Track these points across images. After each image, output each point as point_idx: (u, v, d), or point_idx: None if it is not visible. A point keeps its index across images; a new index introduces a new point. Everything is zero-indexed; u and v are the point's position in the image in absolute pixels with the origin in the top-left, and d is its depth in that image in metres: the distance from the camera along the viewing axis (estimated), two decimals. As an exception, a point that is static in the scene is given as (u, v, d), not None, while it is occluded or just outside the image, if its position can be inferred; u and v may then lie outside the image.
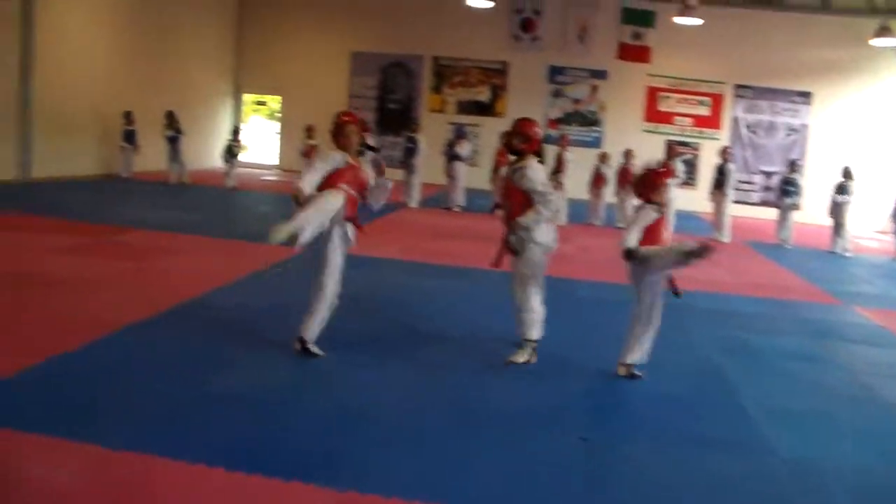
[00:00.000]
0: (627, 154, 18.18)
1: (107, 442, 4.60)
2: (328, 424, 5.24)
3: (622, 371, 6.74)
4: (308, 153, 17.67)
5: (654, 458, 5.20)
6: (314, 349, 6.53)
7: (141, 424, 4.98)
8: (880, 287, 13.37)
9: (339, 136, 6.50)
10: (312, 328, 6.51)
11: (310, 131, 18.51)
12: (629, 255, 6.41)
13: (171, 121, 19.84)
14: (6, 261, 9.40)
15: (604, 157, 18.79)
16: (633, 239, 6.42)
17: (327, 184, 6.31)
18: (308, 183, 6.19)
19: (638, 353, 6.73)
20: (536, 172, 6.68)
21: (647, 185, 6.72)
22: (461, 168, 18.65)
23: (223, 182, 20.04)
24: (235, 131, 21.16)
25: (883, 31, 21.47)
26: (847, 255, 16.76)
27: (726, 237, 17.20)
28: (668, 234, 6.79)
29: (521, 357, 6.87)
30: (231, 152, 20.12)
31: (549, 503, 4.44)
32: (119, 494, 4.10)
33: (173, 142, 19.81)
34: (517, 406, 5.94)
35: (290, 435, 5.03)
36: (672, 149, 18.32)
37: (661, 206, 6.68)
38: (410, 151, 18.86)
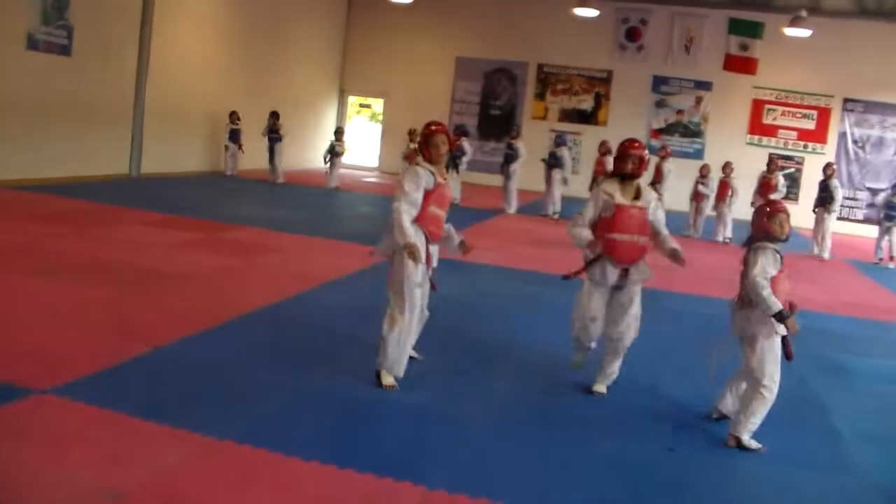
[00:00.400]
0: (726, 167, 18.04)
1: (207, 430, 4.86)
2: (421, 424, 5.46)
3: (732, 443, 5.65)
4: (410, 157, 17.98)
5: (740, 472, 5.30)
6: (415, 354, 6.57)
7: (240, 415, 5.26)
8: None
9: (427, 146, 6.18)
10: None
11: (412, 135, 18.83)
12: (780, 317, 5.39)
13: (274, 122, 20.38)
14: (125, 253, 9.87)
15: (704, 170, 18.56)
16: (770, 296, 5.38)
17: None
18: (408, 216, 5.92)
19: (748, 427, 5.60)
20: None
21: (762, 216, 5.70)
22: (557, 176, 18.65)
23: (325, 182, 20.49)
24: (338, 132, 21.55)
25: None
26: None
27: (827, 254, 16.98)
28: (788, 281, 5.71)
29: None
30: (334, 153, 20.51)
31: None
32: (217, 482, 4.35)
33: (273, 142, 20.34)
34: (606, 413, 6.09)
35: (383, 432, 5.26)
36: (773, 162, 18.16)
37: (781, 241, 5.69)
38: (509, 158, 19.03)
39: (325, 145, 21.32)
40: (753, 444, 5.56)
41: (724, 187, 17.60)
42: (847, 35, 22.92)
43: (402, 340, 6.02)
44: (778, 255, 5.55)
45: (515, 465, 4.96)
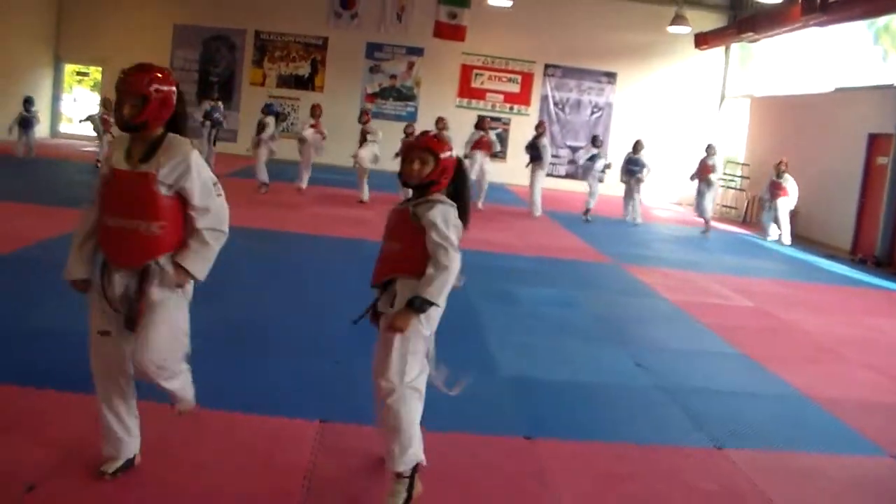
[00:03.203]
0: (439, 122, 17.78)
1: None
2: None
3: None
4: (105, 123, 17.78)
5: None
6: None
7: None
8: (654, 250, 14.76)
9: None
10: None
11: (107, 104, 18.33)
12: None
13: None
14: None
15: (409, 129, 17.86)
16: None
17: None
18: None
19: None
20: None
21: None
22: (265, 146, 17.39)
23: (14, 151, 19.26)
24: (27, 101, 20.13)
25: (679, 20, 23.09)
26: (636, 223, 17.99)
27: (538, 211, 17.43)
28: None
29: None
30: (24, 123, 19.42)
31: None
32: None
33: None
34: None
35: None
36: (484, 121, 18.81)
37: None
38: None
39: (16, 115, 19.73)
40: None
41: None
42: (544, 6, 24.60)
43: None
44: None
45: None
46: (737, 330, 8.90)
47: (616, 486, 4.77)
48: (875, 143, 17.77)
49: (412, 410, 4.08)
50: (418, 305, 3.95)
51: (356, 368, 5.46)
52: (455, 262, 4.02)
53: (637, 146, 18.18)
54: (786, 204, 17.43)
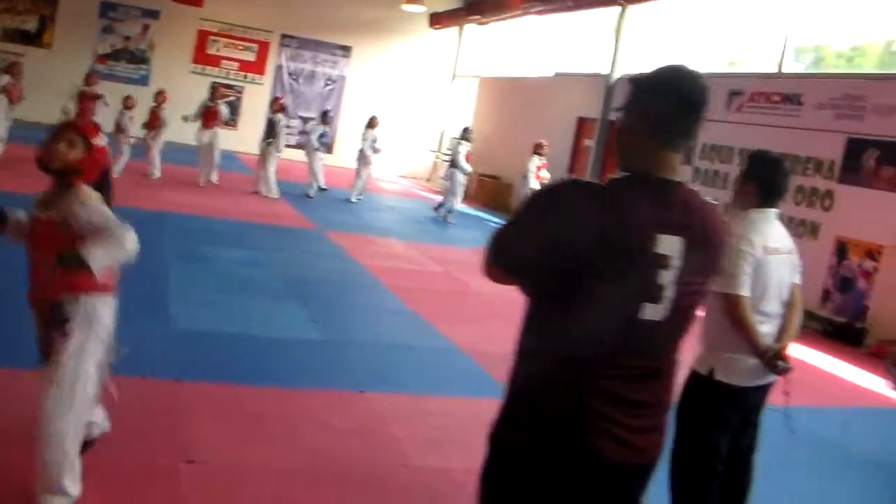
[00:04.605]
0: (159, 96, 16.77)
1: None
2: None
3: None
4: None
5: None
6: None
7: None
8: (363, 219, 15.36)
9: None
10: None
11: None
12: None
13: None
14: None
15: (129, 102, 16.45)
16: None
17: None
18: None
19: None
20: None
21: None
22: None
23: None
24: None
25: (413, -2, 23.88)
26: (354, 200, 17.69)
27: (274, 194, 16.21)
28: None
29: None
30: None
31: None
32: None
33: None
34: None
35: None
36: (216, 90, 18.44)
37: None
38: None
39: None
40: None
41: (154, 117, 16.25)
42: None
43: None
44: None
45: None
46: (418, 292, 9.61)
47: (255, 424, 5.21)
48: (582, 126, 19.19)
49: None
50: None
51: None
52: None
53: (372, 122, 18.09)
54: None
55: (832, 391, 8.75)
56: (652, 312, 2.24)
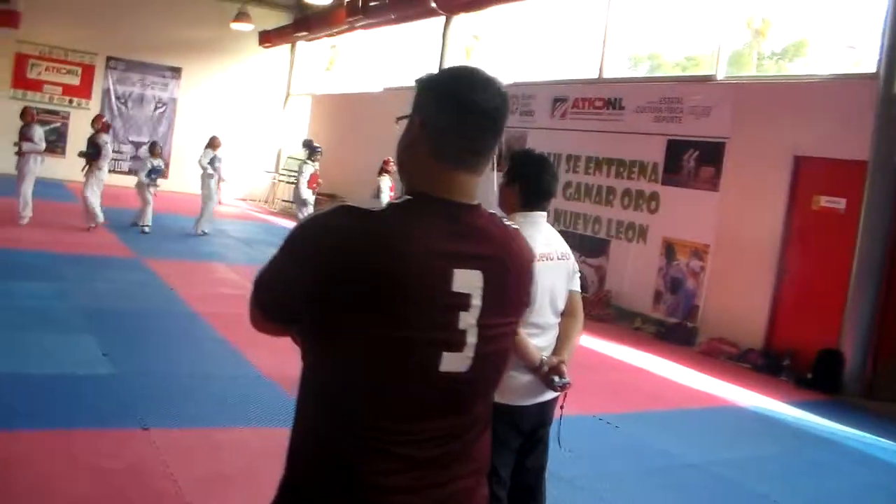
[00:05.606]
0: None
1: None
2: None
3: None
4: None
5: None
6: None
7: None
8: (188, 244, 15.07)
9: None
10: None
11: None
12: None
13: None
14: None
15: None
16: None
17: None
18: None
19: None
20: None
21: None
22: None
23: None
24: None
25: (241, 17, 23.47)
26: (200, 233, 16.48)
27: (99, 219, 15.01)
28: None
29: None
30: None
31: None
32: None
33: None
34: None
35: None
36: (27, 112, 17.22)
37: None
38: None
39: None
40: None
41: None
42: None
43: None
44: None
45: None
46: (233, 318, 9.15)
47: (7, 472, 4.76)
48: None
49: None
50: None
51: None
52: None
53: (213, 142, 17.06)
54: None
55: (662, 394, 8.80)
56: (453, 363, 1.84)
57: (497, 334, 1.93)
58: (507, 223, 2.02)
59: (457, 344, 1.84)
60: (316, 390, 1.92)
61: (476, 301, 1.85)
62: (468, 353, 1.86)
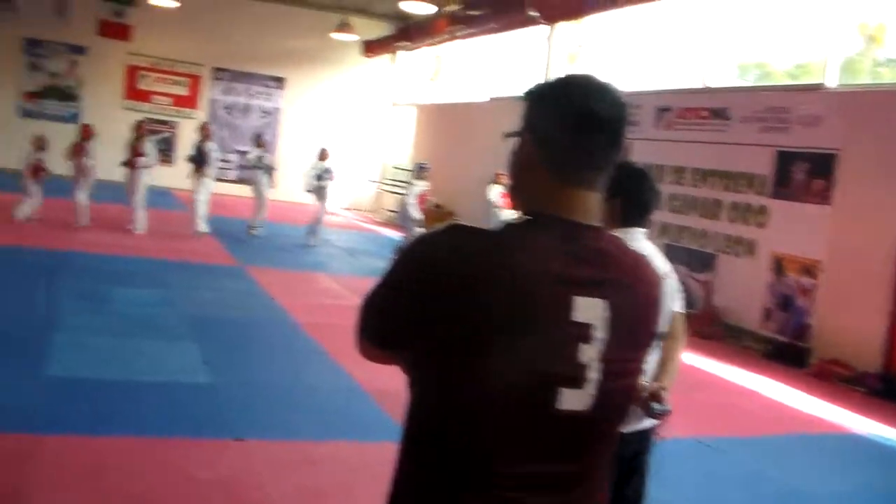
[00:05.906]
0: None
1: None
2: None
3: None
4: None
5: None
6: None
7: None
8: (292, 254, 15.09)
9: None
10: None
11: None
12: None
13: None
14: None
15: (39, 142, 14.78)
16: None
17: None
18: None
19: None
20: None
21: None
22: None
23: None
24: None
25: (344, 27, 23.59)
26: (313, 244, 16.33)
27: (203, 228, 15.30)
28: None
29: None
30: None
31: None
32: None
33: None
34: None
35: None
36: (140, 127, 17.29)
37: None
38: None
39: None
40: None
41: (78, 149, 14.72)
42: (210, 9, 24.26)
43: None
44: None
45: None
46: (334, 329, 9.09)
47: (100, 479, 4.76)
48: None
49: None
50: None
51: None
52: None
53: (323, 154, 16.89)
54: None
55: (771, 418, 8.44)
56: (572, 401, 1.64)
57: (622, 371, 1.74)
58: (631, 246, 1.85)
59: (576, 379, 1.65)
60: (421, 425, 1.74)
61: (599, 333, 1.66)
62: (590, 390, 1.66)
